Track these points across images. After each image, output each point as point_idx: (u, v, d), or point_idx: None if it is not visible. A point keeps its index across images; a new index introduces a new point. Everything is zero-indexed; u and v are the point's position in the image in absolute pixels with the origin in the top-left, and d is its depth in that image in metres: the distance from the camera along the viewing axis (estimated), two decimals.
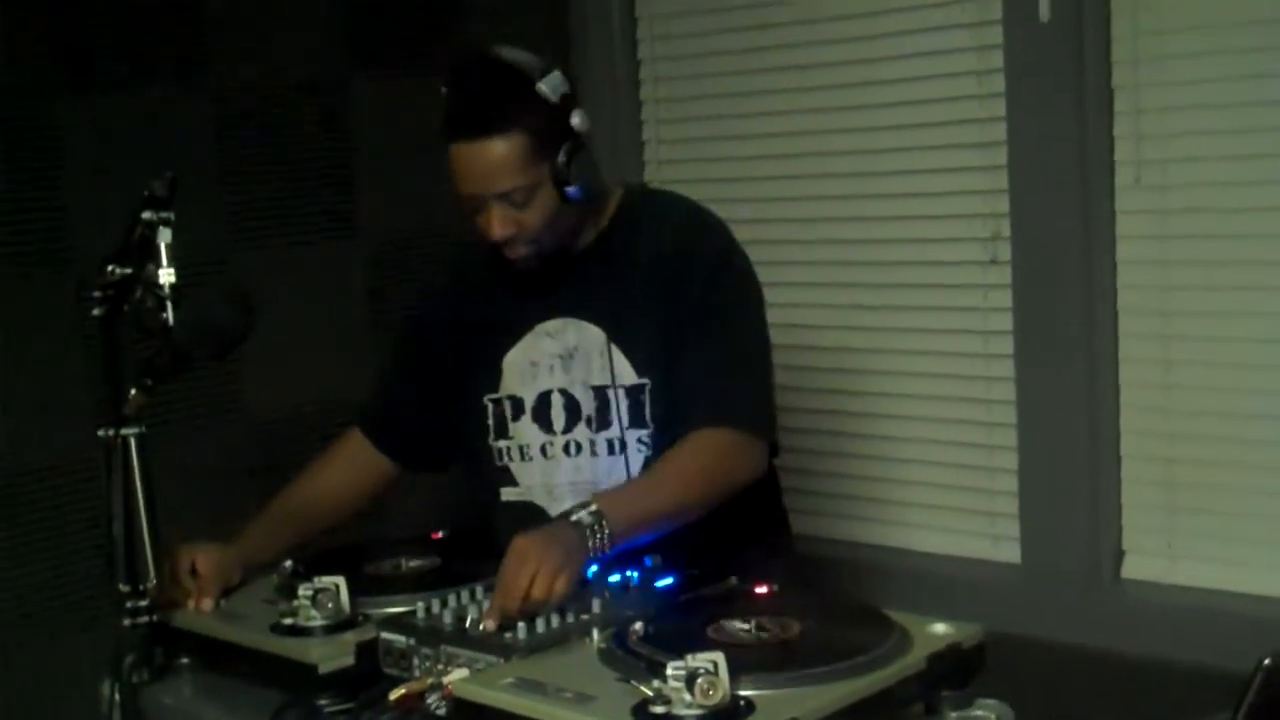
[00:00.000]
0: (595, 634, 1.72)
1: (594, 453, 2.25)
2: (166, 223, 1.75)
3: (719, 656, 1.47)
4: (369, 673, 1.78)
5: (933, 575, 3.23)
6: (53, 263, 2.92)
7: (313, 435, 3.31)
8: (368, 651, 1.79)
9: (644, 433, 2.22)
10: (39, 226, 2.92)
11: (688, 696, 1.45)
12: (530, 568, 1.83)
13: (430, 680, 1.68)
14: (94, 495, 2.91)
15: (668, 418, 2.19)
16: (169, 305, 1.77)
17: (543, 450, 2.27)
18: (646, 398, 2.21)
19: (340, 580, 1.86)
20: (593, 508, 1.95)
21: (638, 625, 1.70)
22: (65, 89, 2.94)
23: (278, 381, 3.25)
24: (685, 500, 2.08)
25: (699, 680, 1.45)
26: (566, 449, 2.26)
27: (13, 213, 2.89)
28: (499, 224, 2.13)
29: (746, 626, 1.70)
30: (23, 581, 2.93)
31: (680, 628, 1.70)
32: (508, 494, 2.31)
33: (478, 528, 2.31)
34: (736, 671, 1.49)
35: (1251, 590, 2.90)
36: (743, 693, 1.49)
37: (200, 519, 2.92)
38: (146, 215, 1.76)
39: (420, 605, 1.84)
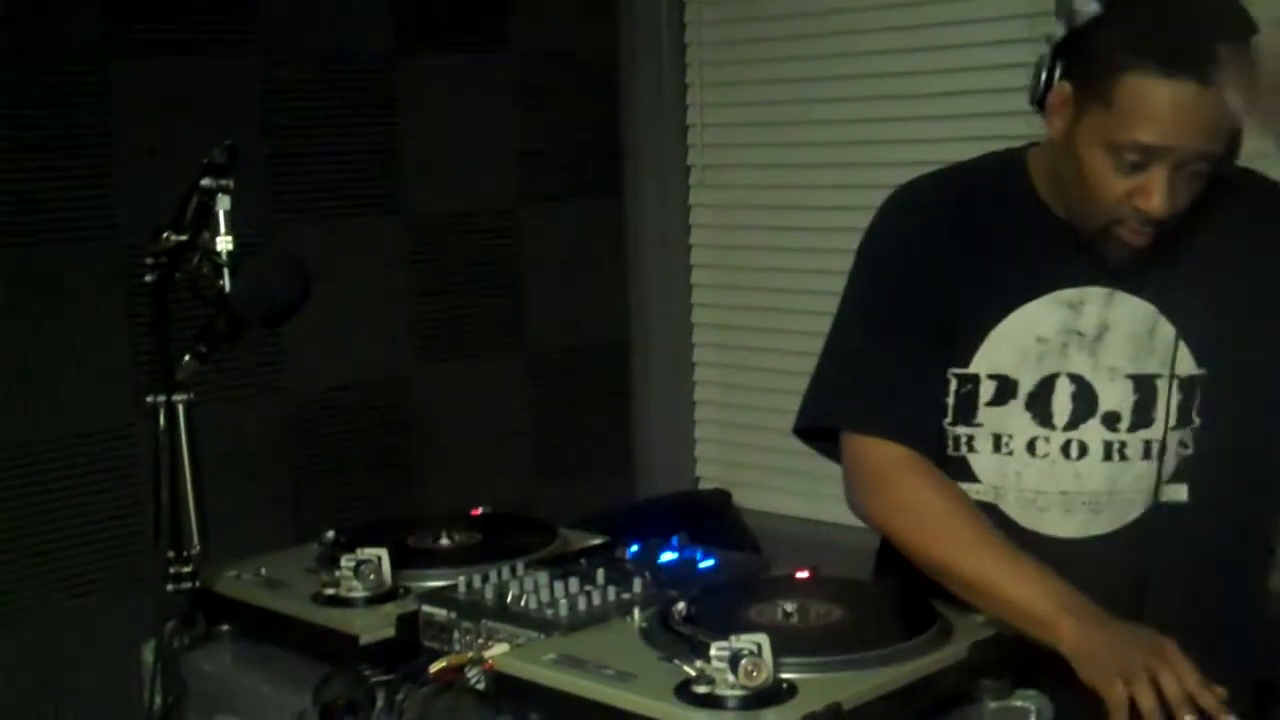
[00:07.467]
0: (636, 613, 1.71)
1: (1122, 456, 1.85)
2: (226, 190, 1.76)
3: (763, 638, 1.47)
4: (409, 645, 1.78)
5: None
6: (99, 232, 2.94)
7: (354, 413, 3.35)
8: (408, 624, 1.79)
9: (1184, 433, 1.85)
10: (86, 195, 2.94)
11: (731, 677, 1.44)
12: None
13: (470, 654, 1.68)
14: (137, 462, 2.95)
15: (1230, 419, 1.84)
16: (226, 272, 1.78)
17: (1029, 447, 1.88)
18: (1198, 391, 1.84)
19: (383, 552, 1.86)
20: None
21: (680, 605, 1.70)
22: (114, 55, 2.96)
23: (320, 358, 3.26)
24: None
25: (743, 661, 1.44)
26: (1065, 449, 1.87)
27: (59, 182, 2.91)
28: (1167, 195, 1.72)
29: (789, 609, 1.69)
30: (65, 547, 2.96)
31: (723, 609, 1.69)
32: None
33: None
34: (779, 654, 1.48)
35: None
36: (785, 675, 1.49)
37: (239, 492, 2.98)
38: (206, 182, 1.76)
39: (461, 579, 1.83)
